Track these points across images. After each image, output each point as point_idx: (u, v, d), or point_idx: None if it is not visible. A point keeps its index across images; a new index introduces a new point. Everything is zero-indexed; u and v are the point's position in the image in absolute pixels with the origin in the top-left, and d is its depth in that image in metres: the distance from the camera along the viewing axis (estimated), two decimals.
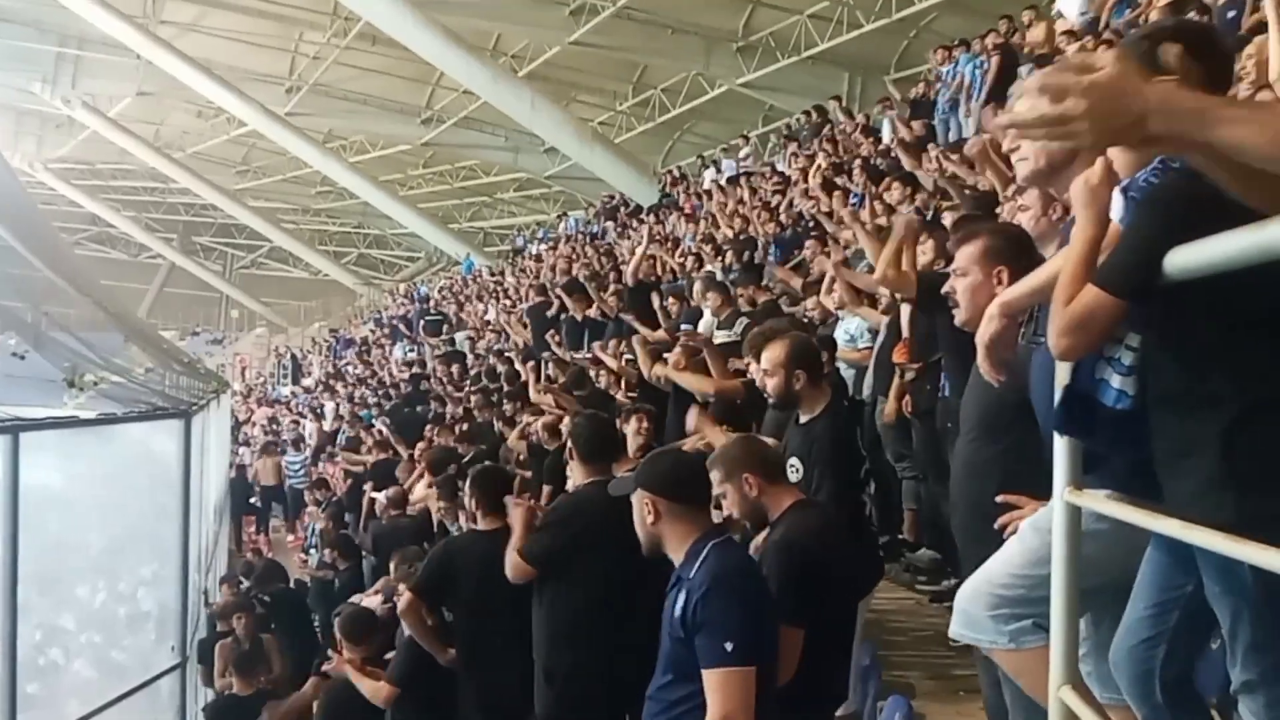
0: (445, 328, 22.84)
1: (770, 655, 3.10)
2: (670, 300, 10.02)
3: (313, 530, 15.01)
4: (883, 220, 8.57)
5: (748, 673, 2.95)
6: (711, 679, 2.95)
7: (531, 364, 10.89)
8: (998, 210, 6.00)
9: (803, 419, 4.39)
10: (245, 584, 10.50)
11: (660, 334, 8.88)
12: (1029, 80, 1.49)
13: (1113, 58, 1.45)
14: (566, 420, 7.08)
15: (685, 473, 3.33)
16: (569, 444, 4.87)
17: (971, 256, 3.22)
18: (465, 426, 11.39)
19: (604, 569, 4.36)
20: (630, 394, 8.19)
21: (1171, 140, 1.44)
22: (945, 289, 3.27)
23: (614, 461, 4.83)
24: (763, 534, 3.65)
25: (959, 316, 3.22)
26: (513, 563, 4.60)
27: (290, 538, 18.60)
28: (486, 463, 7.63)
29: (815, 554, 3.46)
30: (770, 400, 4.63)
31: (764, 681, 3.01)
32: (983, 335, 2.72)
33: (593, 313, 11.68)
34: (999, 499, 3.00)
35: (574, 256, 20.29)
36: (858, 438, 4.49)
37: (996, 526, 2.96)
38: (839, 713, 3.93)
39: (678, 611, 3.07)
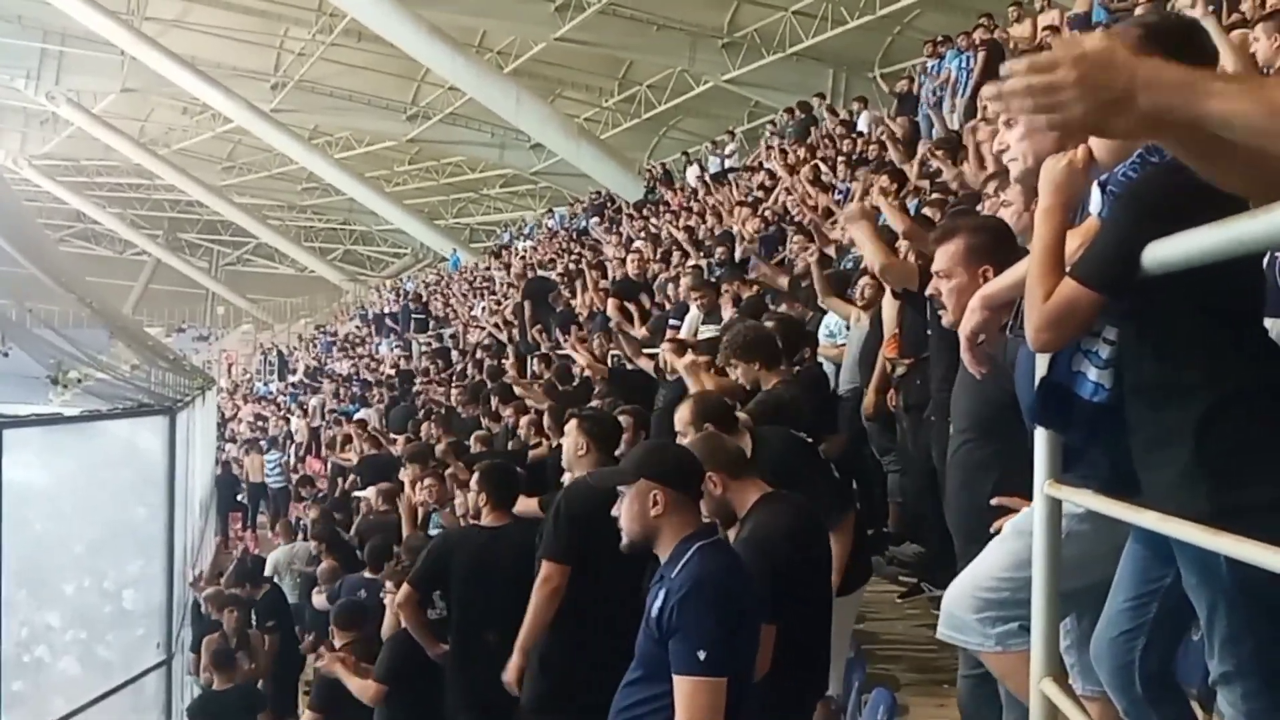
0: (431, 323, 22.80)
1: (747, 665, 3.05)
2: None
3: (298, 525, 14.96)
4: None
5: (719, 684, 2.89)
6: (682, 686, 2.90)
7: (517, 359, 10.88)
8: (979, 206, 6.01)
9: None
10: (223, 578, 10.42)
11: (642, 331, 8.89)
12: (1016, 60, 1.48)
13: (1101, 34, 1.44)
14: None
15: (687, 464, 3.26)
16: (581, 436, 4.79)
17: (954, 257, 3.18)
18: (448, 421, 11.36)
19: (604, 555, 4.33)
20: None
21: (1158, 120, 1.43)
22: (929, 291, 3.26)
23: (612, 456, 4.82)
24: (732, 531, 3.60)
25: (946, 318, 3.21)
26: (546, 574, 4.48)
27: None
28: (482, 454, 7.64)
29: (785, 550, 3.44)
30: None
31: (739, 689, 2.95)
32: (965, 328, 2.72)
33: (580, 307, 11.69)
34: (994, 502, 3.00)
35: (559, 252, 20.23)
36: (816, 457, 4.39)
37: (991, 531, 2.95)
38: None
39: (655, 611, 3.01)
